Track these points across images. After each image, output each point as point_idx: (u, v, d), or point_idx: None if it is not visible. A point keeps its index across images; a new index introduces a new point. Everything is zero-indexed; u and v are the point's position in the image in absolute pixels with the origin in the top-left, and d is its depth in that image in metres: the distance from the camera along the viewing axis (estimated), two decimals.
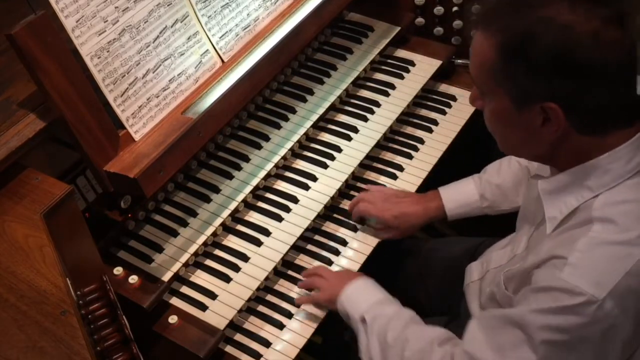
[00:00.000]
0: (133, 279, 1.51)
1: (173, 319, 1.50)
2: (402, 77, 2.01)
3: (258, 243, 1.64)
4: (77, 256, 1.35)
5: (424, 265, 1.82)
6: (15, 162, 1.37)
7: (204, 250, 1.63)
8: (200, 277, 1.60)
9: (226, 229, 1.69)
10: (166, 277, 1.53)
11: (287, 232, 1.66)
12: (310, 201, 1.72)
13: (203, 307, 1.54)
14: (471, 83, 1.25)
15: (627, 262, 1.08)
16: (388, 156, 1.89)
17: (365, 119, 1.89)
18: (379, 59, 2.04)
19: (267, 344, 1.52)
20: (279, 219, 1.69)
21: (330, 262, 1.66)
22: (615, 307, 1.07)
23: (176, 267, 1.56)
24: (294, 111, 1.86)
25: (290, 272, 1.66)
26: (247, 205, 1.73)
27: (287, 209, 1.71)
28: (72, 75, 1.35)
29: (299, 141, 1.81)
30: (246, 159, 1.75)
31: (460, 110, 1.97)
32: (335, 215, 1.76)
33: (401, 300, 1.47)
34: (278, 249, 1.63)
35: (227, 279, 1.59)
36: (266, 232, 1.66)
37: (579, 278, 1.07)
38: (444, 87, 2.06)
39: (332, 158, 1.81)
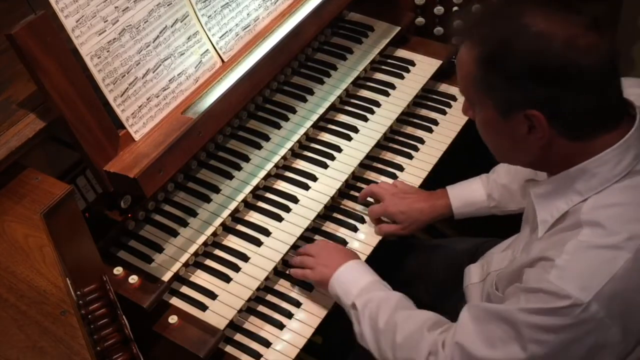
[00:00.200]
0: (133, 279, 1.51)
1: (173, 319, 1.50)
2: (402, 77, 2.01)
3: (258, 243, 1.64)
4: (77, 256, 1.35)
5: (425, 264, 1.82)
6: (15, 162, 1.37)
7: (204, 250, 1.63)
8: (200, 277, 1.60)
9: (226, 229, 1.69)
10: (166, 277, 1.53)
11: (287, 232, 1.66)
12: (311, 201, 1.72)
13: (203, 307, 1.54)
14: None
15: (613, 265, 1.09)
16: (388, 156, 1.89)
17: (366, 119, 1.89)
18: (379, 58, 2.04)
19: (267, 344, 1.52)
20: (279, 219, 1.69)
21: None
22: (601, 310, 1.08)
23: (176, 267, 1.56)
24: (294, 111, 1.86)
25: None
26: (247, 205, 1.72)
27: (287, 209, 1.70)
28: (72, 75, 1.35)
29: (299, 141, 1.81)
30: (246, 159, 1.75)
31: (460, 110, 1.96)
32: (335, 215, 1.76)
33: None
34: (278, 249, 1.63)
35: (227, 279, 1.59)
36: (266, 232, 1.66)
37: (566, 281, 1.09)
38: (444, 87, 2.06)
39: (332, 158, 1.81)
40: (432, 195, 1.73)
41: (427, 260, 1.83)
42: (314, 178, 1.76)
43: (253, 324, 1.57)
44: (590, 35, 1.09)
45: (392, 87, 1.98)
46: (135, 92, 1.48)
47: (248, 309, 1.59)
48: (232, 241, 1.67)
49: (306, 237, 1.71)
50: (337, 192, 1.75)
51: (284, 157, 1.77)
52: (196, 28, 1.60)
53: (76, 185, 1.50)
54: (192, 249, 1.59)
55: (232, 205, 1.67)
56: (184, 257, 1.57)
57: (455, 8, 2.06)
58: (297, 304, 1.59)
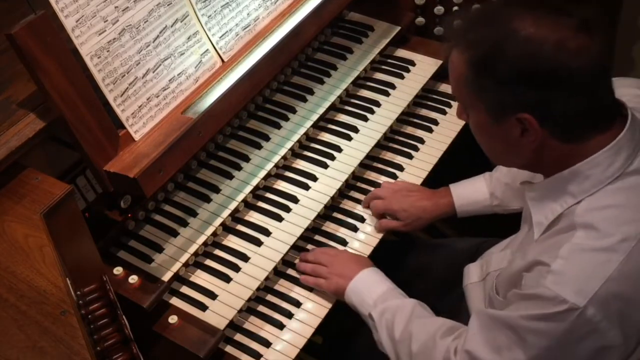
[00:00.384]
0: (133, 279, 1.51)
1: (173, 319, 1.50)
2: (402, 77, 2.01)
3: (258, 243, 1.64)
4: (77, 256, 1.35)
5: (425, 264, 1.82)
6: (15, 162, 1.37)
7: (204, 250, 1.63)
8: (200, 277, 1.60)
9: (226, 228, 1.68)
10: (166, 277, 1.53)
11: (287, 232, 1.66)
12: (311, 201, 1.72)
13: (203, 307, 1.54)
14: None
15: (607, 268, 1.10)
16: (388, 156, 1.89)
17: (366, 119, 1.89)
18: (379, 58, 2.04)
19: (267, 344, 1.52)
20: (279, 218, 1.69)
21: None
22: (597, 313, 1.09)
23: (176, 267, 1.56)
24: (294, 111, 1.86)
25: (290, 272, 1.66)
26: (247, 205, 1.72)
27: (287, 209, 1.70)
28: (72, 75, 1.35)
29: (299, 141, 1.81)
30: (246, 159, 1.75)
31: None
32: (335, 215, 1.76)
33: None
34: (278, 248, 1.63)
35: (227, 279, 1.59)
36: (266, 232, 1.66)
37: (561, 286, 1.10)
38: (444, 87, 2.06)
39: (333, 158, 1.81)
40: (435, 194, 1.73)
41: (428, 260, 1.83)
42: (314, 178, 1.76)
43: (253, 324, 1.57)
44: (580, 37, 1.09)
45: (392, 87, 1.98)
46: (135, 92, 1.48)
47: (248, 309, 1.59)
48: (232, 241, 1.67)
49: (306, 237, 1.71)
50: (337, 192, 1.75)
51: (284, 157, 1.77)
52: (196, 28, 1.60)
53: (76, 185, 1.50)
54: (192, 249, 1.59)
55: (232, 205, 1.67)
56: (184, 257, 1.57)
57: (455, 8, 2.06)
58: (297, 304, 1.59)
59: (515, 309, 1.17)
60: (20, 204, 1.32)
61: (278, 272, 1.65)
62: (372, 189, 1.79)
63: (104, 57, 1.42)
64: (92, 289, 1.23)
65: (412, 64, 2.04)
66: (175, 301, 1.56)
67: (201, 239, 1.60)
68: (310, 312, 1.57)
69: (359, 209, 1.77)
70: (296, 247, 1.68)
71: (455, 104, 1.98)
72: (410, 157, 1.87)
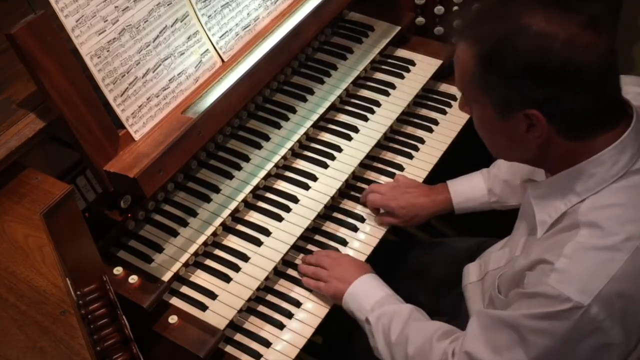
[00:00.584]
0: (133, 279, 1.51)
1: (173, 319, 1.50)
2: (402, 77, 2.01)
3: (258, 243, 1.64)
4: (77, 256, 1.35)
5: (425, 263, 1.82)
6: (15, 161, 1.37)
7: (204, 250, 1.63)
8: (200, 277, 1.60)
9: (226, 228, 1.68)
10: (166, 277, 1.53)
11: (287, 232, 1.66)
12: (311, 201, 1.71)
13: (203, 307, 1.54)
14: None
15: (611, 267, 1.10)
16: (388, 156, 1.89)
17: (366, 119, 1.89)
18: (379, 58, 2.04)
19: (267, 344, 1.52)
20: (279, 218, 1.69)
21: None
22: (601, 312, 1.09)
23: (176, 267, 1.55)
24: (294, 111, 1.86)
25: (290, 272, 1.66)
26: (247, 205, 1.72)
27: (287, 209, 1.70)
28: (72, 75, 1.35)
29: (299, 141, 1.80)
30: (246, 159, 1.75)
31: (460, 110, 1.97)
32: (335, 215, 1.76)
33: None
34: (278, 248, 1.63)
35: (227, 279, 1.59)
36: (266, 232, 1.66)
37: (565, 284, 1.10)
38: (444, 87, 2.06)
39: (333, 158, 1.81)
40: (432, 190, 1.73)
41: (428, 260, 1.83)
42: (314, 178, 1.76)
43: (253, 324, 1.57)
44: (589, 35, 1.09)
45: (393, 86, 1.98)
46: (135, 91, 1.48)
47: (248, 309, 1.59)
48: (232, 241, 1.67)
49: (306, 237, 1.70)
50: (337, 192, 1.74)
51: (284, 157, 1.77)
52: (196, 28, 1.60)
53: (76, 185, 1.50)
54: (192, 248, 1.59)
55: (232, 205, 1.66)
56: (184, 257, 1.57)
57: (455, 8, 2.06)
58: (297, 304, 1.59)
59: (517, 307, 1.16)
60: (20, 204, 1.32)
61: (278, 272, 1.65)
62: None
63: (104, 57, 1.42)
64: (92, 289, 1.23)
65: (412, 63, 2.04)
66: (175, 301, 1.56)
67: (201, 239, 1.60)
68: (310, 312, 1.57)
69: (359, 209, 1.77)
70: (296, 247, 1.68)
71: (455, 104, 1.99)
72: (410, 157, 1.87)
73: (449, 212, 1.73)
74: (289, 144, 1.78)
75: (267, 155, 1.76)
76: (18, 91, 1.45)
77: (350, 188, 1.82)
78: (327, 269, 1.57)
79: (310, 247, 1.70)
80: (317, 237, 1.72)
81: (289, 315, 1.57)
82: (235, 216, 1.70)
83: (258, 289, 1.58)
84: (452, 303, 1.65)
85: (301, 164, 1.81)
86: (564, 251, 1.12)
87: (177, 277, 1.58)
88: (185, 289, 1.58)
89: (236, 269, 1.60)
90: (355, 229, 1.72)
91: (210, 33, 1.62)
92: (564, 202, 1.20)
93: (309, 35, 1.80)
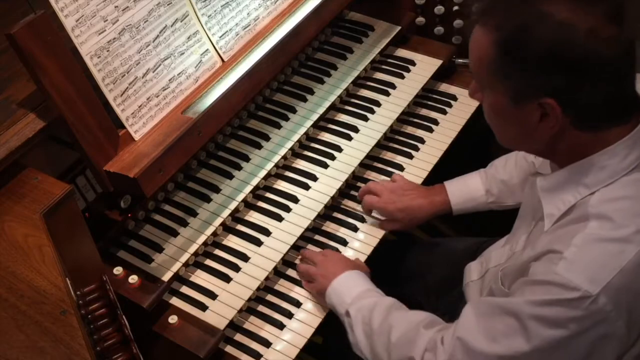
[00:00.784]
0: (133, 278, 1.51)
1: (173, 319, 1.50)
2: (402, 77, 2.01)
3: (258, 243, 1.64)
4: (77, 256, 1.35)
5: (425, 263, 1.82)
6: (15, 161, 1.37)
7: (204, 250, 1.63)
8: (200, 277, 1.60)
9: (226, 228, 1.68)
10: (166, 277, 1.53)
11: (287, 231, 1.66)
12: (311, 201, 1.71)
13: (203, 307, 1.54)
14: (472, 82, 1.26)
15: (621, 258, 1.09)
16: (389, 156, 1.89)
17: (366, 119, 1.89)
18: (379, 58, 2.04)
19: (267, 344, 1.52)
20: (279, 218, 1.69)
21: None
22: (609, 303, 1.08)
23: (176, 267, 1.55)
24: (294, 111, 1.85)
25: (290, 272, 1.66)
26: (247, 205, 1.72)
27: (288, 209, 1.70)
28: (72, 75, 1.35)
29: (299, 141, 1.80)
30: (246, 159, 1.75)
31: (461, 110, 1.97)
32: (335, 215, 1.76)
33: (400, 298, 1.47)
34: (278, 248, 1.63)
35: (227, 278, 1.58)
36: (266, 232, 1.66)
37: (574, 273, 1.09)
38: (444, 87, 2.06)
39: (333, 158, 1.80)
40: (430, 192, 1.73)
41: (428, 259, 1.82)
42: (314, 178, 1.76)
43: (253, 324, 1.57)
44: (611, 27, 1.08)
45: (393, 86, 1.98)
46: (135, 91, 1.48)
47: (248, 309, 1.59)
48: (232, 241, 1.67)
49: (306, 237, 1.70)
50: (337, 191, 1.74)
51: (284, 157, 1.77)
52: (196, 27, 1.60)
53: (76, 185, 1.50)
54: (192, 248, 1.59)
55: (232, 205, 1.66)
56: (184, 257, 1.57)
57: (455, 7, 2.05)
58: (297, 304, 1.59)
59: (520, 295, 1.15)
60: (20, 204, 1.32)
61: (278, 272, 1.65)
62: None
63: (103, 56, 1.42)
64: (92, 289, 1.23)
65: (413, 63, 2.04)
66: (175, 301, 1.56)
67: (201, 239, 1.60)
68: (310, 312, 1.57)
69: (359, 209, 1.76)
70: (296, 247, 1.67)
71: (455, 104, 1.99)
72: (410, 157, 1.87)
73: (447, 213, 1.73)
74: (289, 144, 1.78)
75: (267, 155, 1.76)
76: (18, 91, 1.45)
77: (351, 188, 1.81)
78: (317, 266, 1.57)
79: (310, 247, 1.70)
80: (317, 237, 1.72)
81: (289, 315, 1.57)
82: (235, 216, 1.70)
83: (258, 289, 1.58)
84: (452, 303, 1.65)
85: (301, 164, 1.81)
86: (573, 241, 1.11)
87: (177, 277, 1.58)
88: (185, 289, 1.58)
89: (236, 269, 1.60)
90: (355, 229, 1.72)
91: (211, 33, 1.62)
92: (573, 195, 1.18)
93: (309, 35, 1.80)
